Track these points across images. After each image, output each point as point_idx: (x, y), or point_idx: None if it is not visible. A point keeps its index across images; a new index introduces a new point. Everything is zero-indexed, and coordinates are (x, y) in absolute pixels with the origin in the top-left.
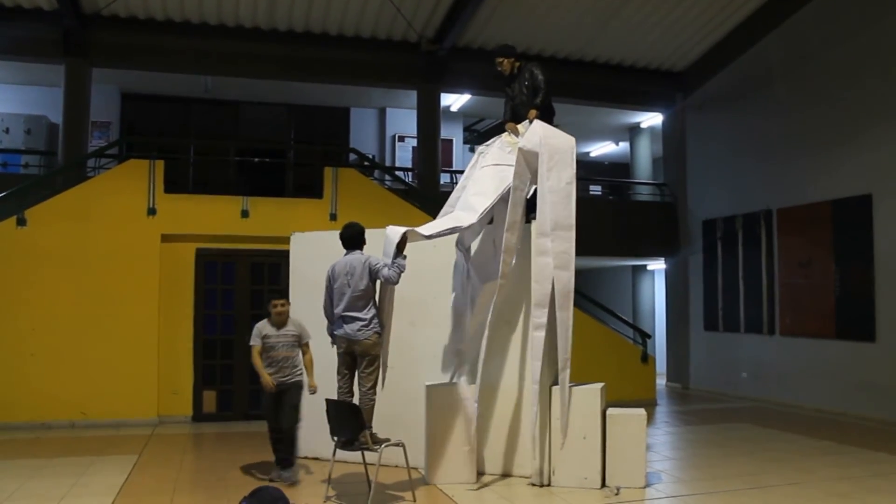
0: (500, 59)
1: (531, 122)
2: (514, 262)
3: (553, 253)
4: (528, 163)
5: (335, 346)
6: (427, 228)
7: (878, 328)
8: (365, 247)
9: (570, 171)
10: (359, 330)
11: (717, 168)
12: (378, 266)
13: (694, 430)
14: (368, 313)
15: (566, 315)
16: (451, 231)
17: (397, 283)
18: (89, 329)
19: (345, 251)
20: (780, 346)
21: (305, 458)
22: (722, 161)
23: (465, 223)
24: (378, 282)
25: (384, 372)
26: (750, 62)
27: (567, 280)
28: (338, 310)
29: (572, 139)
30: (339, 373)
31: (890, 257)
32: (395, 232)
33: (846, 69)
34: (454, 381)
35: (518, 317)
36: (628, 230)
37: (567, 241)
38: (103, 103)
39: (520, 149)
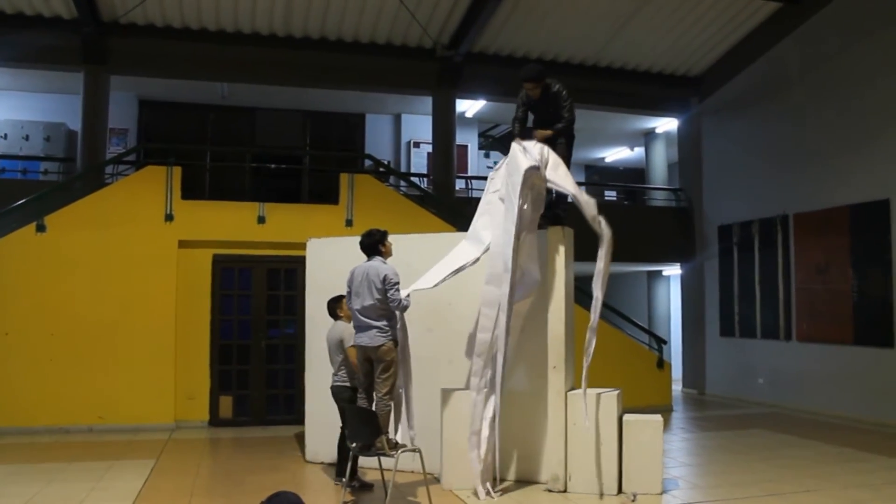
0: (530, 85)
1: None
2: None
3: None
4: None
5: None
6: (430, 278)
7: None
8: (388, 255)
9: (511, 218)
10: (373, 337)
11: (732, 173)
12: (391, 286)
13: (710, 436)
14: (382, 321)
15: (495, 373)
16: (456, 272)
17: (403, 311)
18: (107, 334)
19: (366, 257)
20: (797, 351)
21: (322, 463)
22: (738, 166)
23: (471, 258)
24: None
25: (407, 382)
26: (765, 67)
27: (503, 323)
28: (354, 316)
29: (522, 168)
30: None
31: None
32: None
33: (862, 73)
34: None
35: (533, 324)
36: (643, 236)
37: (505, 283)
38: (121, 110)
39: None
